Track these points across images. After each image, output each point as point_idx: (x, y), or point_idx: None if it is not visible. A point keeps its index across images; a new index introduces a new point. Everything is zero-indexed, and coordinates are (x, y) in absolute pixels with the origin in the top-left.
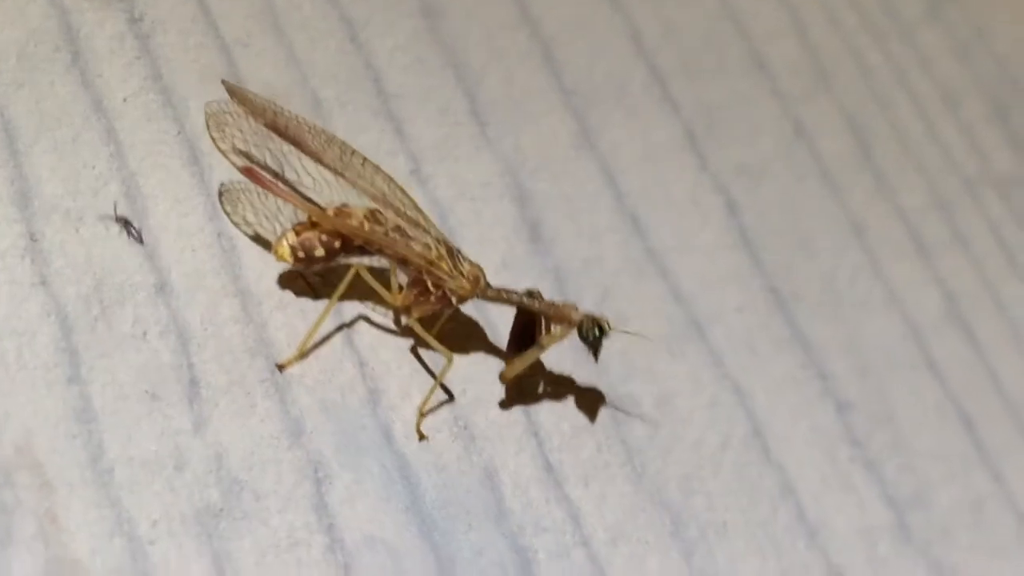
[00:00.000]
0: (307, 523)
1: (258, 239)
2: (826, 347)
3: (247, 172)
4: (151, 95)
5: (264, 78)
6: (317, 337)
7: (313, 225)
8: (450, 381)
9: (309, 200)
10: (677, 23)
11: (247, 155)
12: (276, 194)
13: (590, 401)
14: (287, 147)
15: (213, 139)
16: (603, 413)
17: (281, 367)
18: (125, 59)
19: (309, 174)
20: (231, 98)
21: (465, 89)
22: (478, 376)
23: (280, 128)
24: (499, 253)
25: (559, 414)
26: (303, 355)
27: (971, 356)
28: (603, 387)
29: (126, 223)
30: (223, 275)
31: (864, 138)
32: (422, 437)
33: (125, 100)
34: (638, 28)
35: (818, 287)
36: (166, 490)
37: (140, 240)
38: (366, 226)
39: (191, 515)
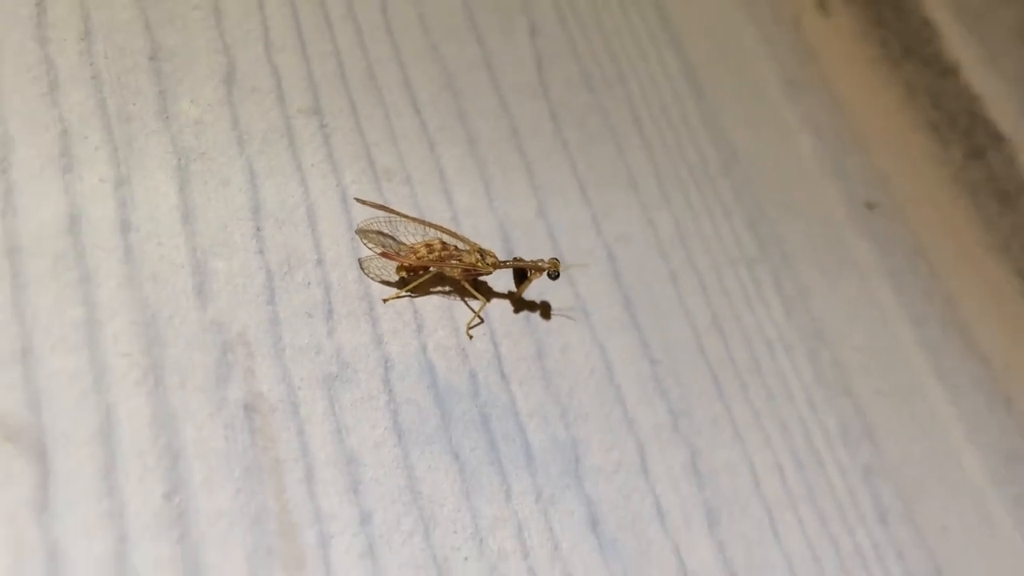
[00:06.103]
0: (376, 387)
1: (384, 255)
2: None
3: (384, 255)
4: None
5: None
6: (392, 295)
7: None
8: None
9: (413, 252)
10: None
11: (380, 241)
12: (398, 261)
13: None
14: (397, 228)
15: (364, 243)
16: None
17: (385, 300)
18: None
19: (408, 235)
20: (364, 204)
21: None
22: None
23: (395, 211)
24: None
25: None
26: (399, 296)
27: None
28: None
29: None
30: (352, 256)
31: None
32: (471, 336)
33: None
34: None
35: None
36: (307, 360)
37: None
38: (439, 256)
39: (319, 378)
